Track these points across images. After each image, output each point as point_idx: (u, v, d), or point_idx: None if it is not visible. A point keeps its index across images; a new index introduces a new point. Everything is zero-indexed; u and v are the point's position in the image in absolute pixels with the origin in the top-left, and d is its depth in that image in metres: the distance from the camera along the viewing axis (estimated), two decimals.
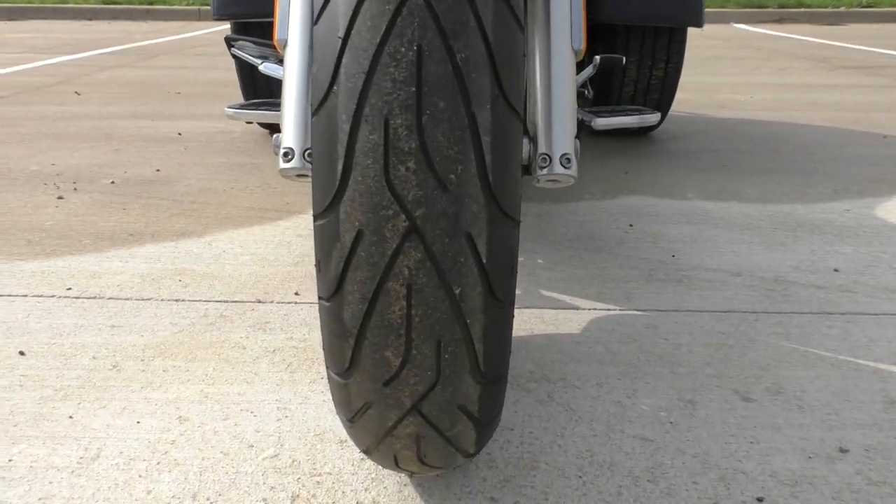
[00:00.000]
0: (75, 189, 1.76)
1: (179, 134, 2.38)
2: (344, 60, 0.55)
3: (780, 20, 7.53)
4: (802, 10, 7.62)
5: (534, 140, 0.78)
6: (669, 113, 2.76)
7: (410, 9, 0.53)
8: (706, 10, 7.52)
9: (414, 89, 0.53)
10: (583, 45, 0.80)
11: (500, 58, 0.56)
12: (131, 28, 7.03)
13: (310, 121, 0.65)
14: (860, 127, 2.53)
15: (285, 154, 0.74)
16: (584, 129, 1.25)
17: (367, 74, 0.54)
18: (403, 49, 0.53)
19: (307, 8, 0.75)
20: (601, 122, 1.26)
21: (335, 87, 0.55)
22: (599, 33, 2.17)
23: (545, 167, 0.76)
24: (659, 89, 2.16)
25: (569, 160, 0.76)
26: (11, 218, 1.56)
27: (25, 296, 1.19)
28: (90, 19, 7.78)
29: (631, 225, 1.54)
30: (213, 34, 6.37)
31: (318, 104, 0.57)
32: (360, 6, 0.54)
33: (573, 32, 0.79)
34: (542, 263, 1.33)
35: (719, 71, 4.01)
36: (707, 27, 6.95)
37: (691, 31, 6.61)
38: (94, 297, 1.18)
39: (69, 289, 1.21)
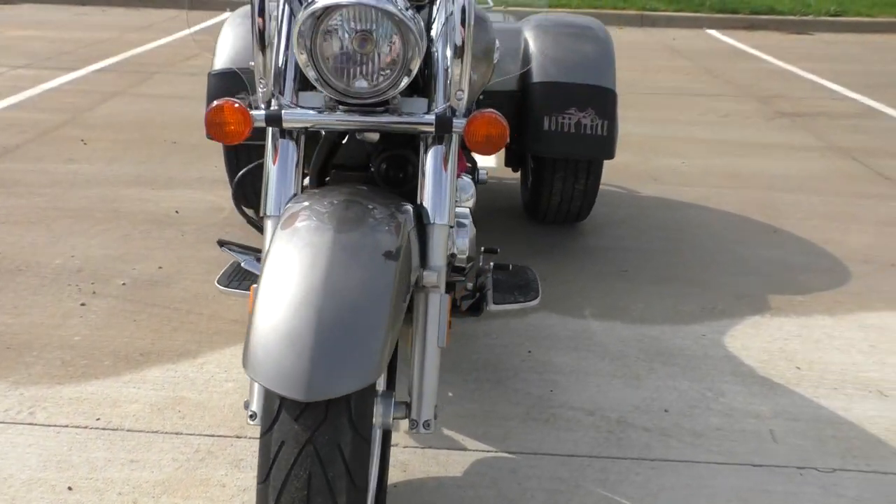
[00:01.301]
0: (94, 293, 2.19)
1: (177, 212, 2.78)
2: None
3: (750, 27, 7.83)
4: (772, 17, 7.92)
5: (409, 405, 1.21)
6: (606, 189, 3.17)
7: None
8: (680, 13, 7.81)
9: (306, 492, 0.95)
10: (445, 342, 1.23)
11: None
12: (125, 22, 7.27)
13: None
14: (761, 214, 2.96)
15: (251, 416, 1.17)
16: (476, 314, 1.68)
17: None
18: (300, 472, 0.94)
19: None
20: (494, 308, 1.69)
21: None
22: (534, 156, 2.56)
23: (413, 429, 1.20)
24: (581, 198, 2.58)
25: (429, 424, 1.20)
26: (46, 331, 1.99)
27: (66, 426, 1.63)
28: (83, 3, 7.98)
29: (529, 351, 1.98)
30: (202, 35, 6.63)
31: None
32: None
33: (439, 335, 1.22)
34: (450, 397, 1.78)
35: (669, 117, 4.39)
36: (680, 38, 7.27)
37: (663, 47, 6.92)
38: (117, 429, 1.63)
39: (98, 419, 1.65)
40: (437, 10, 1.31)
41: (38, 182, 3.04)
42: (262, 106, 1.21)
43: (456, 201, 1.92)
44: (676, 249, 2.64)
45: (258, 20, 1.16)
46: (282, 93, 1.25)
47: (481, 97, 2.41)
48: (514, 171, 2.75)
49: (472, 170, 2.16)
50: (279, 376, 0.90)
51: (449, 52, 1.21)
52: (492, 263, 1.95)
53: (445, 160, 1.24)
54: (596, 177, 2.54)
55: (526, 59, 2.41)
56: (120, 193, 2.94)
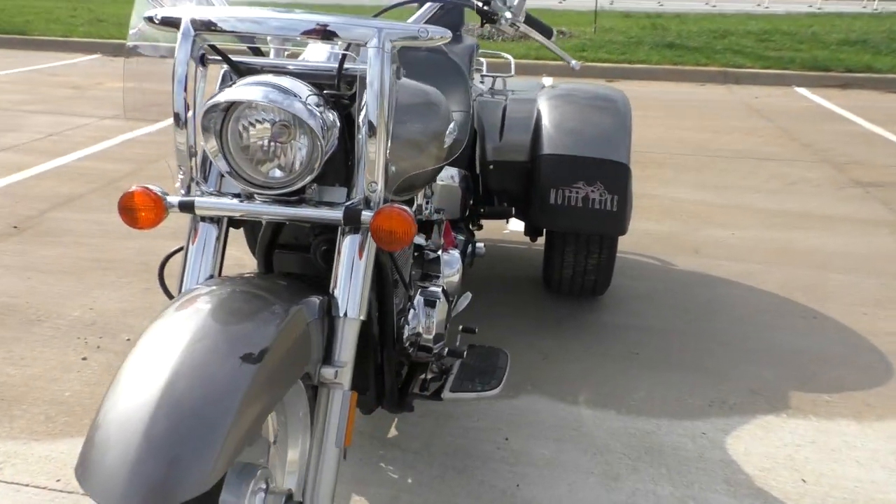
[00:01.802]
0: (98, 347, 2.26)
1: None
2: None
3: (844, 85, 7.42)
4: (869, 75, 7.48)
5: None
6: (639, 260, 3.04)
7: None
8: (767, 70, 7.51)
9: None
10: (345, 443, 1.17)
11: None
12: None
13: None
14: (805, 296, 2.74)
15: None
16: (437, 398, 1.61)
17: None
18: None
19: None
20: (449, 395, 1.62)
21: None
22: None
23: None
24: (595, 273, 2.47)
25: None
26: (42, 384, 2.06)
27: (27, 485, 1.67)
28: None
29: (506, 438, 1.88)
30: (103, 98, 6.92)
31: None
32: None
33: (338, 434, 1.16)
34: (409, 484, 1.71)
35: (729, 182, 4.18)
36: (764, 97, 6.98)
37: (743, 106, 6.66)
38: (73, 492, 1.65)
39: (58, 480, 1.69)
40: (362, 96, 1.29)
41: (87, 232, 3.21)
42: (183, 191, 1.22)
43: (435, 277, 1.89)
44: (699, 332, 2.47)
45: (180, 96, 1.17)
46: (206, 177, 1.25)
47: (491, 167, 2.38)
48: (533, 240, 2.68)
49: (467, 243, 2.11)
50: (100, 485, 0.87)
51: (372, 140, 1.17)
52: (467, 345, 1.89)
53: (361, 249, 1.20)
54: (610, 252, 2.42)
55: (537, 130, 2.36)
56: (157, 246, 3.07)
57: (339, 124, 1.19)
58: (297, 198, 1.20)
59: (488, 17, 1.39)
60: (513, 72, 2.73)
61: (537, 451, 1.84)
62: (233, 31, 1.16)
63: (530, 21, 1.49)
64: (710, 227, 3.45)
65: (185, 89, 1.17)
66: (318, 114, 1.13)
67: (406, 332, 1.61)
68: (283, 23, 1.15)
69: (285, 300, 1.12)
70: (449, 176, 2.07)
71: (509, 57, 2.91)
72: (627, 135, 2.35)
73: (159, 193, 1.19)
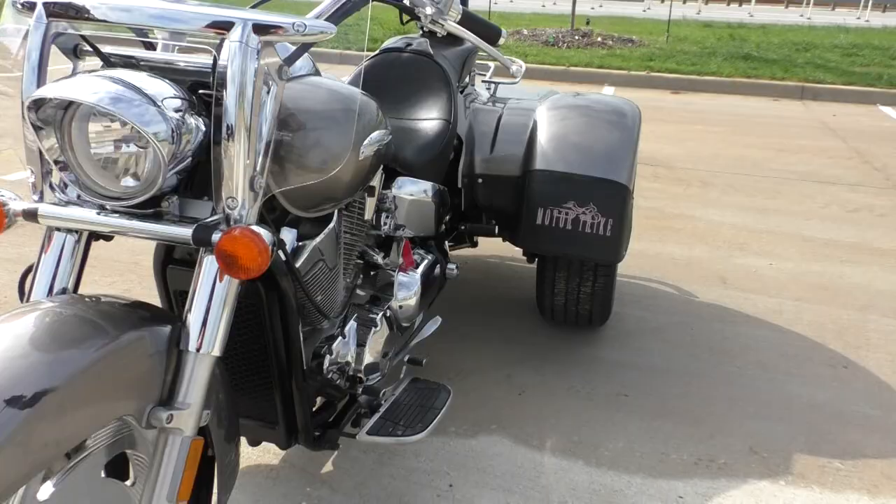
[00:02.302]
0: None
1: None
2: None
3: None
4: None
5: None
6: (656, 288, 2.78)
7: None
8: (849, 87, 6.96)
9: None
10: (180, 497, 1.02)
11: None
12: None
13: None
14: (839, 341, 2.42)
15: None
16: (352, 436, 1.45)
17: None
18: None
19: None
20: (365, 438, 1.45)
21: None
22: None
23: None
24: (589, 302, 2.24)
25: None
26: None
27: None
28: None
29: (451, 485, 1.69)
30: None
31: None
32: None
33: (170, 489, 1.01)
34: None
35: (780, 207, 3.83)
36: (842, 114, 6.47)
37: (818, 123, 6.20)
38: None
39: None
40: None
41: None
42: (35, 196, 1.10)
43: (385, 300, 1.73)
44: (705, 375, 2.20)
45: (30, 87, 1.05)
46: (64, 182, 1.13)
47: (480, 181, 2.19)
48: (530, 262, 2.47)
49: (434, 264, 1.93)
50: None
51: (231, 149, 1.01)
52: (410, 378, 1.72)
53: (222, 273, 1.05)
54: (606, 280, 2.19)
55: (531, 143, 2.15)
56: None
57: (204, 129, 1.05)
58: (153, 211, 1.06)
59: (408, 12, 1.22)
60: (518, 78, 2.53)
61: (481, 503, 1.64)
62: (83, 19, 1.03)
63: (470, 20, 1.30)
64: (746, 255, 3.13)
65: (40, 80, 1.05)
66: (170, 118, 0.99)
67: (328, 362, 1.45)
68: (135, 12, 1.01)
69: (126, 327, 0.98)
70: (421, 190, 1.89)
71: (520, 62, 2.70)
72: (631, 152, 2.12)
73: (1, 199, 1.07)
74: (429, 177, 1.91)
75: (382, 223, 1.76)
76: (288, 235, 1.32)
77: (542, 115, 2.22)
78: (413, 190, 1.86)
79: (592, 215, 2.02)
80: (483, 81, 2.50)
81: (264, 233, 1.00)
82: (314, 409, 1.60)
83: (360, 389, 1.57)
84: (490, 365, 2.20)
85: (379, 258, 1.75)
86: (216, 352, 1.05)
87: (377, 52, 2.14)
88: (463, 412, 1.97)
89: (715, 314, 2.59)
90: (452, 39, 2.32)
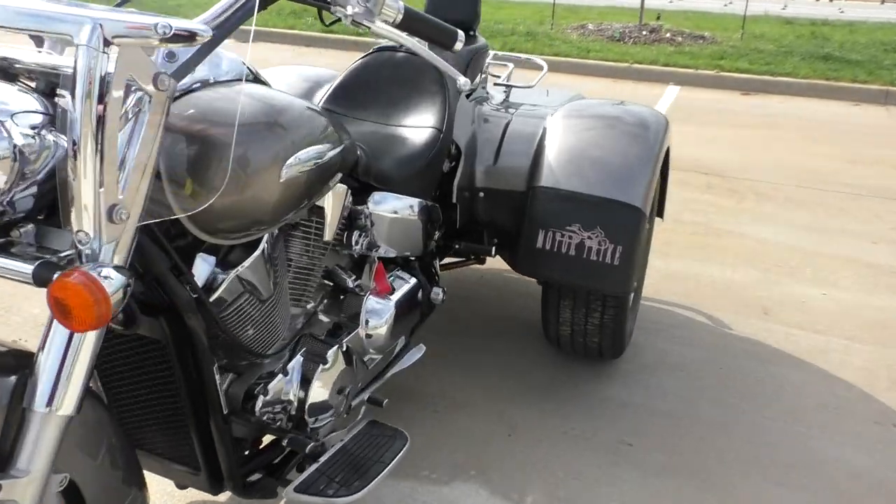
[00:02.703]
0: None
1: None
2: None
3: None
4: None
5: None
6: (687, 316, 2.51)
7: None
8: None
9: None
10: None
11: None
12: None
13: None
14: (892, 395, 2.11)
15: None
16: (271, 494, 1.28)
17: None
18: None
19: None
20: (291, 495, 1.28)
21: None
22: None
23: None
24: (597, 334, 2.01)
25: None
26: None
27: None
28: (308, 44, 8.61)
29: None
30: None
31: None
32: None
33: None
34: None
35: (844, 226, 3.46)
36: None
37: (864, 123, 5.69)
38: None
39: None
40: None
41: None
42: None
43: (348, 329, 1.55)
44: (725, 425, 1.94)
45: None
46: None
47: (481, 195, 1.99)
48: (539, 282, 2.25)
49: (417, 288, 1.75)
50: None
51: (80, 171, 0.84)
52: (367, 421, 1.54)
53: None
54: (617, 312, 1.95)
55: (538, 155, 1.93)
56: None
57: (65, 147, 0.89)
58: (4, 240, 0.91)
59: (326, 7, 1.03)
60: (535, 83, 2.30)
61: None
62: None
63: (417, 21, 1.10)
64: (795, 282, 2.82)
65: None
66: (13, 134, 0.83)
67: (261, 402, 1.29)
68: None
69: None
70: (404, 206, 1.71)
71: (541, 62, 2.47)
72: (649, 170, 1.87)
73: None
74: (413, 191, 1.72)
75: (354, 242, 1.59)
76: (203, 265, 1.16)
77: (554, 124, 1.99)
78: (394, 206, 1.67)
79: (599, 241, 1.79)
80: (496, 85, 2.29)
81: (114, 277, 0.84)
82: (261, 447, 1.45)
83: (307, 432, 1.40)
84: (482, 397, 2.00)
85: (349, 281, 1.58)
86: (68, 411, 0.89)
87: (371, 50, 1.96)
88: (442, 452, 1.78)
89: (749, 351, 2.31)
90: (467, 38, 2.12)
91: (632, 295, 2.04)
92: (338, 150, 1.30)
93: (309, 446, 1.30)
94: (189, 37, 0.85)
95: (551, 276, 1.86)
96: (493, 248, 1.98)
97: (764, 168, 4.33)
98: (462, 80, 1.23)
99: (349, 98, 1.87)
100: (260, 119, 1.11)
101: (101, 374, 1.25)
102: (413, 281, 1.74)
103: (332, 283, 1.60)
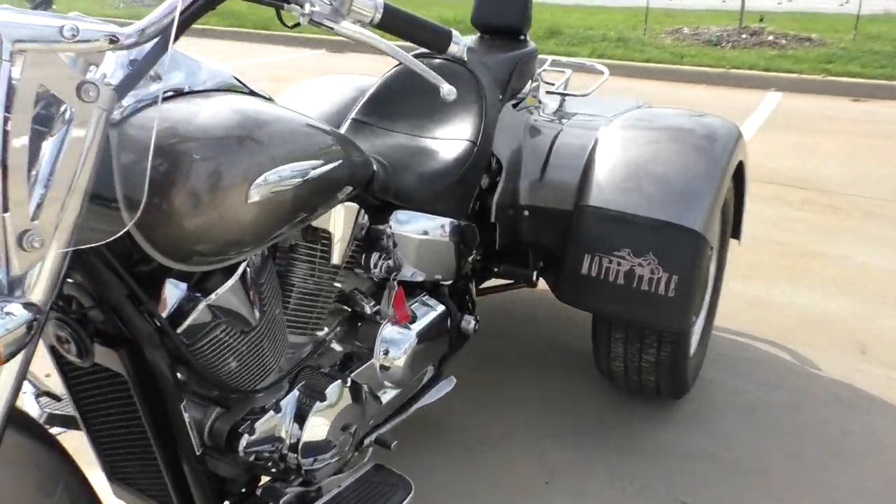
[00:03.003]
0: None
1: None
2: None
3: None
4: None
5: None
6: (767, 352, 2.24)
7: None
8: None
9: None
10: None
11: None
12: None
13: None
14: None
15: None
16: None
17: None
18: None
19: None
20: None
21: None
22: None
23: None
24: (653, 372, 1.79)
25: None
26: None
27: None
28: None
29: None
30: None
31: None
32: None
33: None
34: None
35: None
36: None
37: None
38: None
39: None
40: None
41: None
42: None
43: (360, 360, 1.42)
44: (797, 486, 1.67)
45: None
46: None
47: (525, 213, 1.82)
48: None
49: (446, 316, 1.60)
50: None
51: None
52: (372, 464, 1.40)
53: None
54: (675, 350, 1.73)
55: (587, 171, 1.74)
56: None
57: None
58: None
59: (279, 6, 0.89)
60: (591, 90, 2.09)
61: None
62: None
63: (399, 20, 0.95)
64: None
65: None
66: None
67: (245, 441, 1.17)
68: None
69: None
70: (436, 226, 1.56)
71: (602, 67, 2.26)
72: (714, 189, 1.64)
73: None
74: (442, 209, 1.57)
75: (373, 265, 1.45)
76: (172, 292, 1.05)
77: (606, 136, 1.79)
78: (420, 226, 1.53)
79: (651, 269, 1.58)
80: (548, 93, 2.10)
81: (16, 313, 0.73)
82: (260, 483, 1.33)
83: (301, 474, 1.27)
84: (521, 436, 1.82)
85: (367, 307, 1.45)
86: None
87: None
88: (468, 497, 1.61)
89: (839, 396, 2.02)
90: (507, 41, 1.96)
91: (692, 330, 1.80)
92: (335, 165, 1.17)
93: (284, 497, 1.17)
94: (99, 42, 0.73)
95: (596, 307, 1.66)
96: (536, 274, 1.79)
97: (872, 183, 3.90)
98: (446, 89, 1.06)
99: (380, 108, 1.74)
100: (231, 132, 0.99)
101: (78, 403, 1.17)
102: (440, 308, 1.59)
103: (348, 309, 1.47)
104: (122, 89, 0.87)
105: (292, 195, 1.07)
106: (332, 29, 0.90)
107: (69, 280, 1.00)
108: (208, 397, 1.21)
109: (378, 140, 1.67)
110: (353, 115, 1.75)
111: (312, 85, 2.12)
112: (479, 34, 2.04)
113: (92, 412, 1.16)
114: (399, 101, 1.75)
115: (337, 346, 1.47)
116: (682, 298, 1.56)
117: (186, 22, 0.85)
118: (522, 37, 2.00)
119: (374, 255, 1.46)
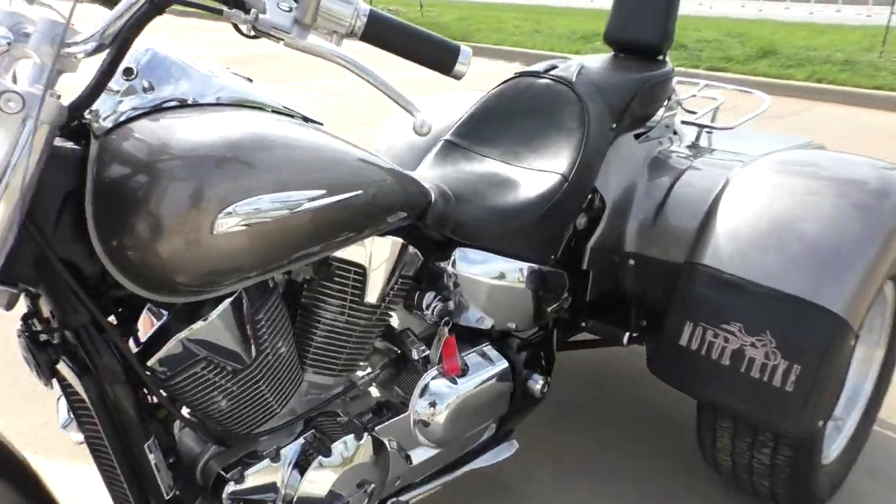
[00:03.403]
0: None
1: None
2: None
3: None
4: None
5: None
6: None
7: None
8: None
9: None
10: None
11: None
12: None
13: None
14: None
15: None
16: None
17: None
18: None
19: None
20: None
21: None
22: None
23: None
24: (767, 476, 1.44)
25: None
26: None
27: None
28: None
29: None
30: None
31: None
32: None
33: None
34: None
35: None
36: None
37: None
38: None
39: None
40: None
41: None
42: None
43: (391, 412, 1.26)
44: None
45: None
46: None
47: (631, 262, 1.57)
48: None
49: (502, 372, 1.40)
50: None
51: None
52: None
53: None
54: (797, 455, 1.38)
55: (707, 219, 1.44)
56: None
57: None
58: None
59: (217, 11, 0.74)
60: (737, 123, 1.75)
61: None
62: None
63: (385, 30, 0.76)
64: None
65: None
66: None
67: (231, 487, 1.07)
68: None
69: None
70: (513, 269, 1.37)
71: (763, 96, 1.89)
72: (870, 261, 1.27)
73: None
74: (517, 250, 1.37)
75: (426, 306, 1.30)
76: (149, 321, 0.97)
77: (742, 179, 1.47)
78: (488, 269, 1.35)
79: (767, 352, 1.26)
80: (683, 123, 1.79)
81: None
82: None
83: None
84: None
85: (415, 352, 1.29)
86: None
87: (513, 75, 1.63)
88: None
89: None
90: (641, 60, 1.69)
91: (822, 434, 1.43)
92: (353, 195, 1.03)
93: None
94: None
95: (691, 389, 1.37)
96: (628, 337, 1.52)
97: None
98: (418, 120, 0.87)
99: (475, 130, 1.57)
100: (213, 153, 0.88)
101: (76, 414, 1.13)
102: (501, 364, 1.39)
103: (398, 351, 1.33)
104: (79, 101, 0.79)
105: (282, 226, 0.94)
106: (279, 40, 0.76)
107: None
108: (209, 431, 1.12)
109: (463, 165, 1.50)
110: (448, 134, 1.60)
111: (436, 101, 1.99)
112: (612, 52, 1.79)
113: (85, 425, 1.12)
114: (497, 122, 1.57)
115: (375, 392, 1.32)
116: (804, 396, 1.22)
117: (133, 29, 0.75)
118: (661, 56, 1.73)
119: (429, 296, 1.30)
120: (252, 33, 0.79)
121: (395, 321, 1.38)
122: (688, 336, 1.34)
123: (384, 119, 2.06)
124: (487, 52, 8.93)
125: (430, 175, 1.45)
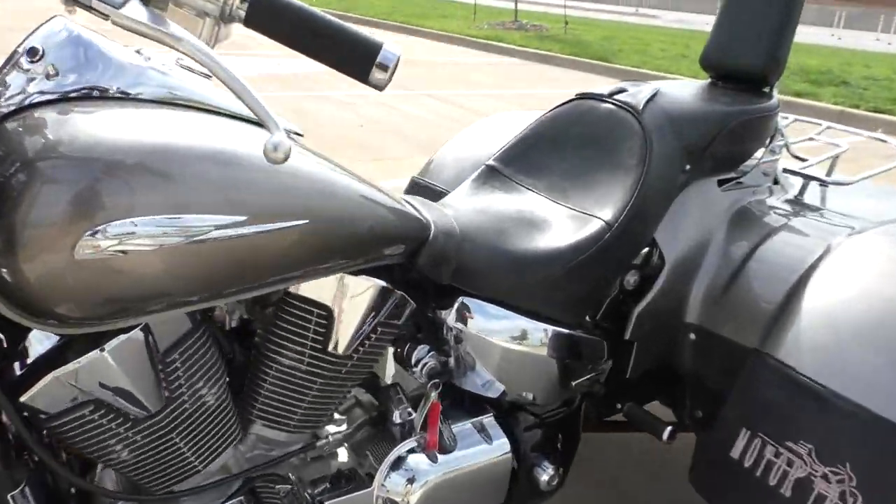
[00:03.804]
0: None
1: None
2: None
3: None
4: None
5: None
6: None
7: None
8: None
9: None
10: None
11: None
12: None
13: None
14: None
15: None
16: None
17: None
18: None
19: None
20: None
21: None
22: None
23: None
24: None
25: None
26: None
27: None
28: None
29: None
30: None
31: None
32: None
33: None
34: None
35: None
36: None
37: None
38: None
39: None
40: None
41: None
42: None
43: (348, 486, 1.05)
44: None
45: None
46: None
47: (692, 336, 1.28)
48: None
49: (498, 457, 1.16)
50: None
51: None
52: None
53: None
54: None
55: (788, 301, 1.12)
56: None
57: None
58: None
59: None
60: (857, 178, 1.39)
61: None
62: None
63: (272, 9, 0.54)
64: None
65: None
66: None
67: None
68: None
69: None
70: (538, 330, 1.13)
71: (891, 141, 1.51)
72: None
73: None
74: (537, 306, 1.12)
75: (415, 362, 1.08)
76: (35, 348, 0.82)
77: (844, 251, 1.14)
78: (496, 326, 1.11)
79: (843, 491, 0.94)
80: (786, 171, 1.45)
81: None
82: None
83: None
84: None
85: (396, 414, 1.08)
86: None
87: (572, 97, 1.37)
88: None
89: None
90: (742, 91, 1.39)
91: None
92: (304, 223, 0.83)
93: None
94: None
95: None
96: (670, 432, 1.21)
97: None
98: (271, 143, 0.63)
99: (521, 157, 1.33)
100: (104, 156, 0.71)
101: None
102: (500, 442, 1.14)
103: (376, 411, 1.12)
104: None
105: (178, 254, 0.76)
106: (107, 18, 0.57)
107: None
108: (128, 485, 0.96)
109: (498, 195, 1.26)
110: (491, 159, 1.36)
111: (492, 122, 1.75)
112: (709, 79, 1.49)
113: None
114: (547, 150, 1.31)
115: (343, 455, 1.12)
116: None
117: None
118: (768, 88, 1.41)
119: (420, 349, 1.09)
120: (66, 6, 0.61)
121: (389, 370, 1.17)
122: (742, 447, 1.03)
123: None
124: (624, 74, 8.52)
125: (456, 204, 1.22)
